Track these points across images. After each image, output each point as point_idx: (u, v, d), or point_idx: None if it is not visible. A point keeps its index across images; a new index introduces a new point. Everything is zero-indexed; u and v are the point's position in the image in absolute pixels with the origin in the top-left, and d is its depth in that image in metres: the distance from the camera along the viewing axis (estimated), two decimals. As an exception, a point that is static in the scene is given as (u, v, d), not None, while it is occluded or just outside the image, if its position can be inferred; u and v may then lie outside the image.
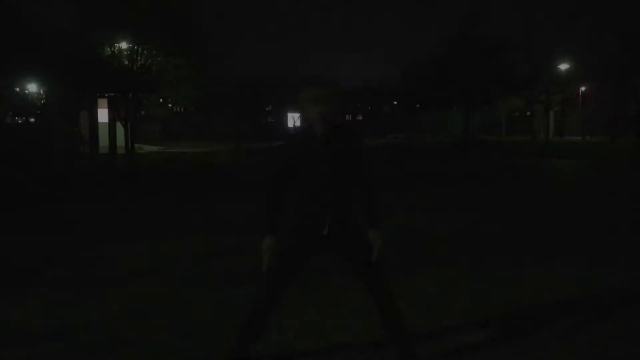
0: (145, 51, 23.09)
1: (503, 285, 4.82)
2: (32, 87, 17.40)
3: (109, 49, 22.33)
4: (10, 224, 8.05)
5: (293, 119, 34.76)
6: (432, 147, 30.46)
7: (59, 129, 16.87)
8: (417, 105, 43.79)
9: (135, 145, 23.59)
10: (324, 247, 3.19)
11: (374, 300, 3.22)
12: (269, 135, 34.14)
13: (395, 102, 51.74)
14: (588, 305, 4.34)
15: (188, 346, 3.58)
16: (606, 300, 4.42)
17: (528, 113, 43.60)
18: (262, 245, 3.09)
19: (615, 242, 6.50)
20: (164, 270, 5.37)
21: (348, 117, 57.82)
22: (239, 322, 3.28)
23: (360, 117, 58.31)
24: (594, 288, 4.74)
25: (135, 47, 22.72)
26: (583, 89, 42.51)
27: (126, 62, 22.91)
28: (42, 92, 17.76)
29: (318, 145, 3.04)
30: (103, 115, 20.65)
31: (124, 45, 22.47)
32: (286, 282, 3.17)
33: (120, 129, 21.42)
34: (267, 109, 49.12)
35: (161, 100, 37.68)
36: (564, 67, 34.50)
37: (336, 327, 3.84)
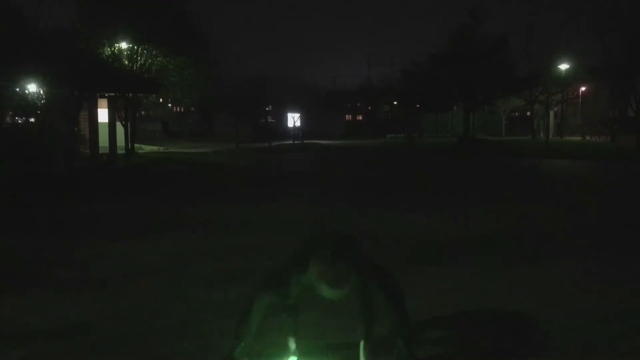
0: (145, 51, 23.10)
1: (504, 284, 4.82)
2: (32, 87, 17.36)
3: (109, 49, 22.35)
4: (10, 224, 8.05)
5: (293, 119, 34.78)
6: (432, 147, 30.41)
7: (59, 129, 16.82)
8: (417, 105, 43.81)
9: (135, 145, 23.57)
10: None
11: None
12: (269, 135, 34.17)
13: (395, 102, 51.68)
14: (589, 305, 4.34)
15: (188, 346, 3.58)
16: (607, 300, 4.42)
17: (528, 113, 43.58)
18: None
19: (619, 242, 6.50)
20: (164, 270, 5.37)
21: (348, 117, 57.76)
22: (234, 321, 3.33)
23: (360, 117, 58.22)
24: (594, 288, 4.74)
25: (135, 47, 22.73)
26: (583, 89, 42.51)
27: (126, 62, 22.92)
28: (42, 92, 17.72)
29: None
30: (103, 115, 20.62)
31: (124, 45, 22.49)
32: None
33: (120, 129, 21.44)
34: (267, 109, 49.11)
35: (161, 100, 37.69)
36: (564, 67, 34.49)
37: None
